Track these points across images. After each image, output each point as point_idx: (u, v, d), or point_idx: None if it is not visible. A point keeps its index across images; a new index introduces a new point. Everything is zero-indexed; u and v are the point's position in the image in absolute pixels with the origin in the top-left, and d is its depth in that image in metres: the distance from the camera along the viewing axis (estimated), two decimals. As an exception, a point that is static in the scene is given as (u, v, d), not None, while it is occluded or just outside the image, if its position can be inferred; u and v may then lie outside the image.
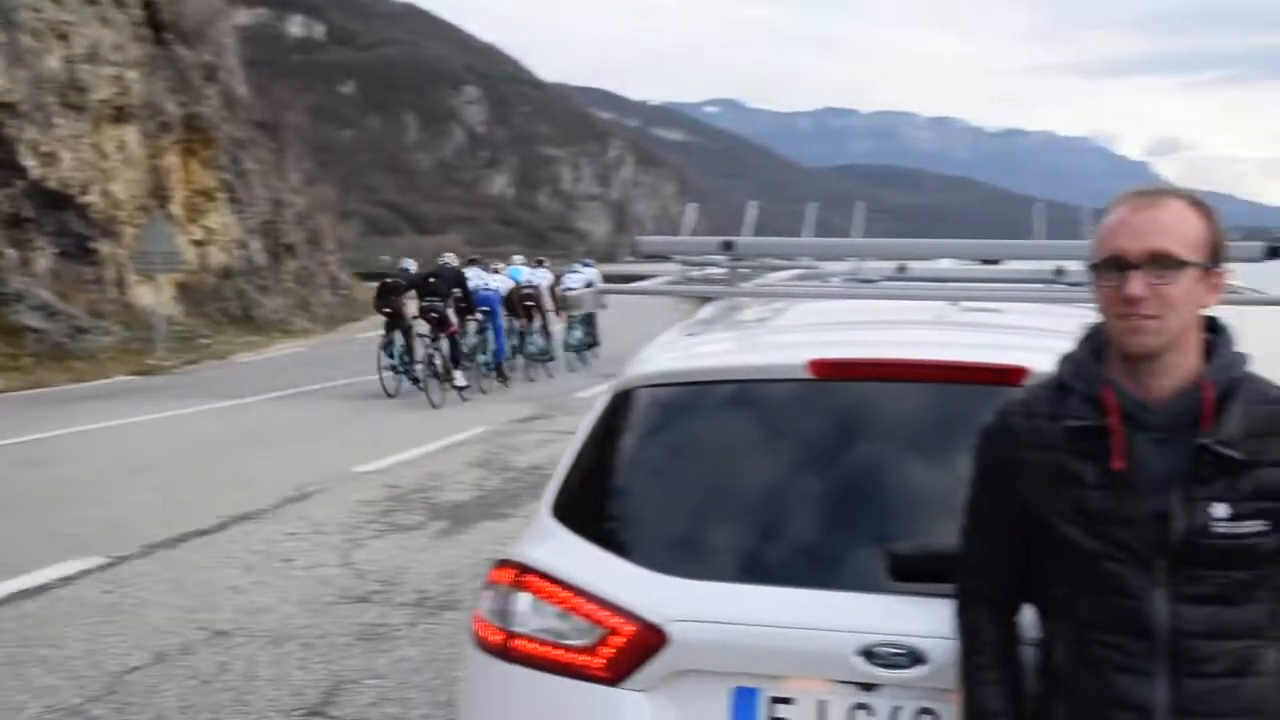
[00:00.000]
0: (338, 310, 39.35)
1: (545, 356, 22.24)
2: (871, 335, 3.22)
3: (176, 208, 31.13)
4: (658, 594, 2.59)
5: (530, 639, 2.70)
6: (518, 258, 24.89)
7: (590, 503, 2.91)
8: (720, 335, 3.35)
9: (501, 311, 20.57)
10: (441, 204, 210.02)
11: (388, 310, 18.39)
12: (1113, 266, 2.05)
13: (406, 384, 18.33)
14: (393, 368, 18.20)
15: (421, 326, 18.02)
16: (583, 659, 2.63)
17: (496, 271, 21.84)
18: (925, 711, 2.46)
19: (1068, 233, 4.40)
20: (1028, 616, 2.30)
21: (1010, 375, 2.60)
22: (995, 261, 4.56)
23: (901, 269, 4.06)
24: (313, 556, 8.26)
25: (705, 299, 3.87)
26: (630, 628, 2.58)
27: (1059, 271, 3.77)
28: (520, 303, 21.50)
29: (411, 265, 19.94)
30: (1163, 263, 2.02)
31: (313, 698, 5.53)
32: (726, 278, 3.71)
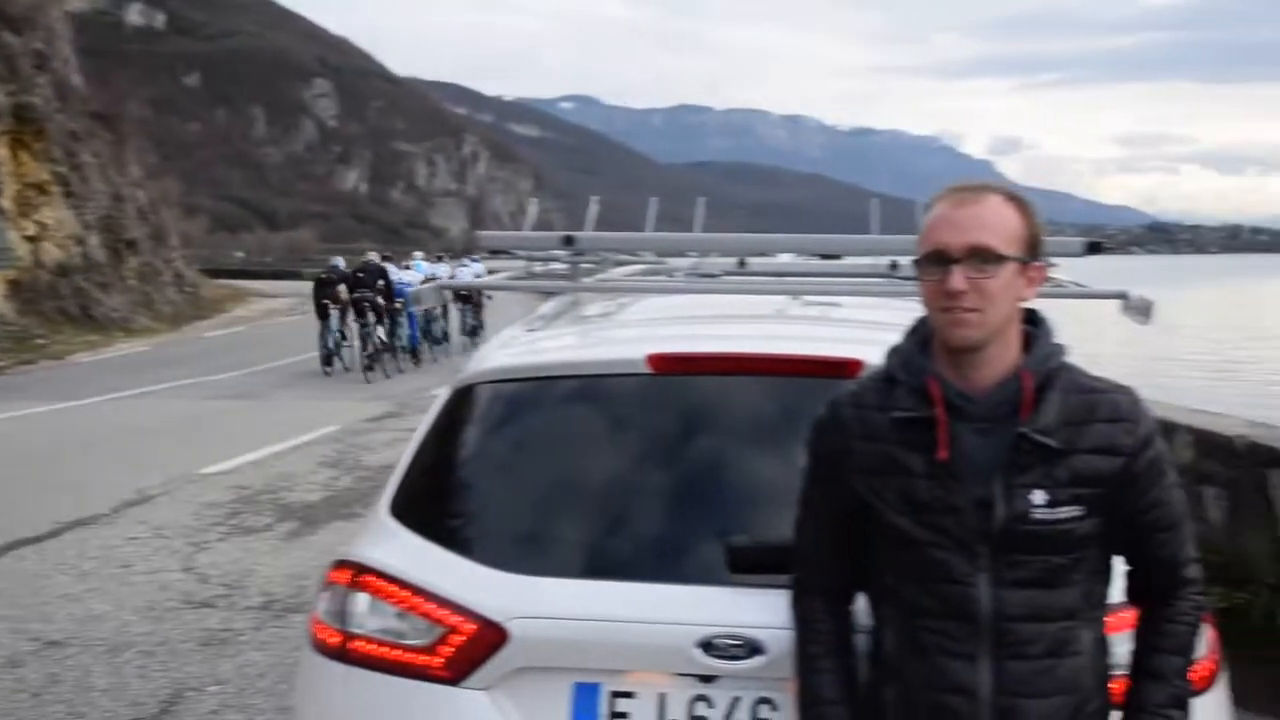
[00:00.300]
0: (184, 308, 38.18)
1: (444, 340, 25.56)
2: (711, 330, 3.25)
3: (7, 202, 29.75)
4: (498, 591, 2.57)
5: (369, 640, 2.66)
6: (418, 254, 29.23)
7: (429, 501, 2.88)
8: (561, 330, 3.34)
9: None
10: (292, 199, 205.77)
11: (325, 301, 21.15)
12: (935, 261, 2.10)
13: (339, 363, 21.30)
14: (329, 351, 21.19)
15: (344, 314, 21.29)
16: (422, 659, 2.60)
17: (408, 268, 25.28)
18: (763, 701, 2.49)
19: (907, 228, 4.49)
20: (861, 605, 2.34)
21: (846, 368, 2.65)
22: (836, 256, 4.64)
23: (742, 264, 4.10)
24: (153, 561, 8.00)
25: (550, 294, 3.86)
26: (470, 626, 2.56)
27: (894, 266, 3.85)
28: None
29: (340, 262, 23.20)
30: (982, 257, 2.07)
31: (151, 707, 5.35)
32: (568, 273, 3.70)
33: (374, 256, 23.74)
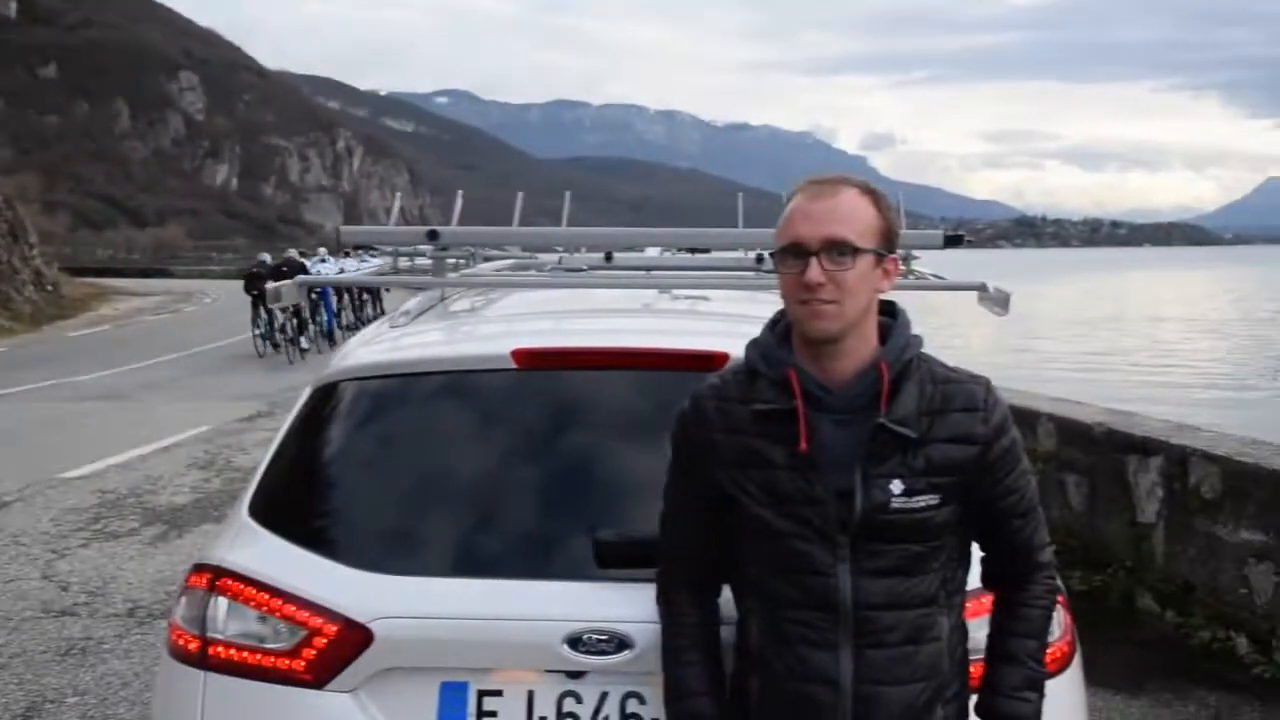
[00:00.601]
0: (44, 307, 36.86)
1: (354, 328, 27.55)
2: (577, 324, 3.24)
3: None
4: (361, 592, 2.53)
5: (229, 645, 2.59)
6: (322, 249, 32.70)
7: (291, 501, 2.81)
8: (426, 326, 3.29)
9: (331, 293, 27.02)
10: (159, 195, 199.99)
11: (255, 293, 23.98)
12: (792, 254, 2.11)
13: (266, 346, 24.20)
14: (260, 335, 24.48)
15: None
16: (284, 662, 2.54)
17: (324, 261, 28.86)
18: (632, 695, 2.48)
19: (773, 222, 4.51)
20: (727, 597, 2.35)
21: (712, 361, 2.65)
22: (705, 250, 4.66)
23: (609, 258, 4.10)
24: (9, 570, 7.70)
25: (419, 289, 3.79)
26: (333, 627, 2.50)
27: (760, 259, 3.88)
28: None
29: (268, 258, 27.13)
30: (838, 249, 2.08)
31: (6, 722, 5.16)
32: (433, 268, 3.65)
33: (293, 253, 28.40)
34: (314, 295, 25.24)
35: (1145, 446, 6.37)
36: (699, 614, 2.32)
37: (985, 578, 2.35)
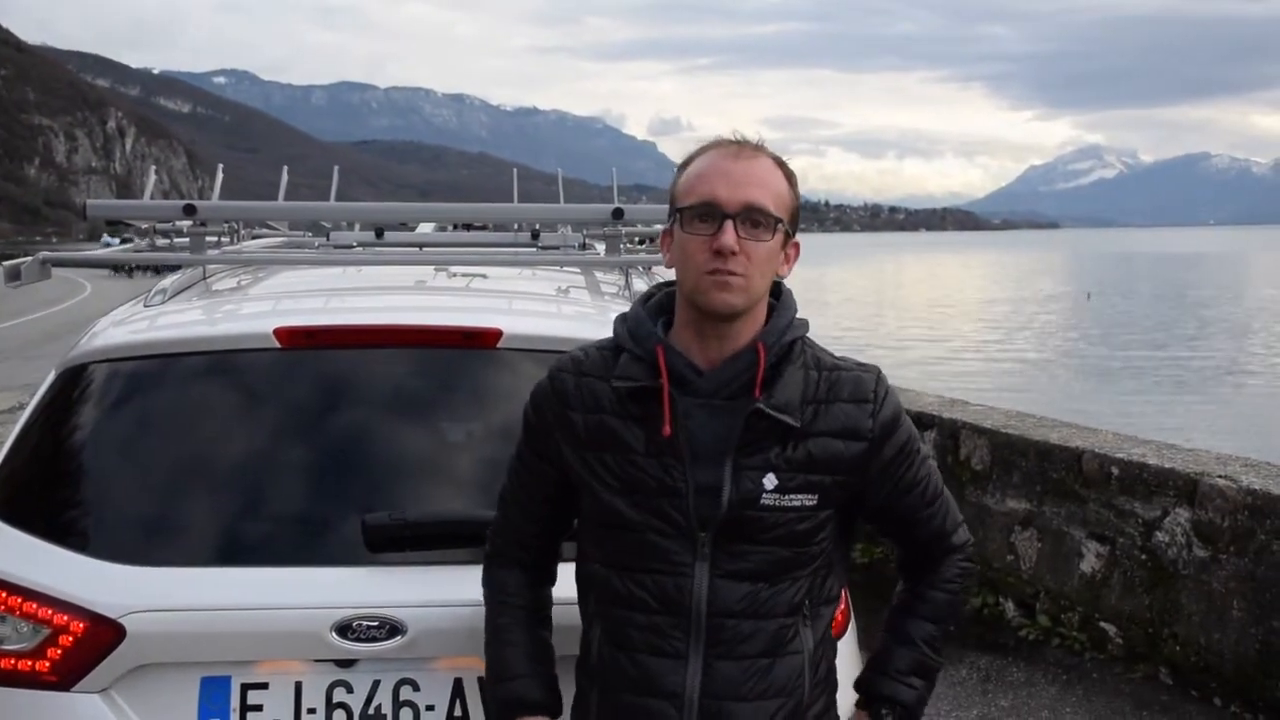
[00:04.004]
0: None
1: None
2: (345, 302, 3.14)
3: None
4: (113, 585, 2.38)
5: None
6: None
7: (33, 493, 2.62)
8: (184, 305, 3.12)
9: None
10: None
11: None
12: (704, 214, 1.93)
13: None
14: None
15: None
16: (26, 664, 2.37)
17: None
18: (405, 682, 2.41)
19: (563, 199, 4.50)
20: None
21: (481, 338, 2.59)
22: (483, 226, 4.59)
23: (379, 234, 3.98)
24: None
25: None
26: (80, 624, 2.35)
27: (535, 235, 3.83)
28: None
29: None
30: (758, 217, 1.92)
31: None
32: (191, 244, 3.46)
33: None
34: None
35: (920, 420, 6.57)
36: (528, 595, 2.18)
37: (900, 566, 2.25)
